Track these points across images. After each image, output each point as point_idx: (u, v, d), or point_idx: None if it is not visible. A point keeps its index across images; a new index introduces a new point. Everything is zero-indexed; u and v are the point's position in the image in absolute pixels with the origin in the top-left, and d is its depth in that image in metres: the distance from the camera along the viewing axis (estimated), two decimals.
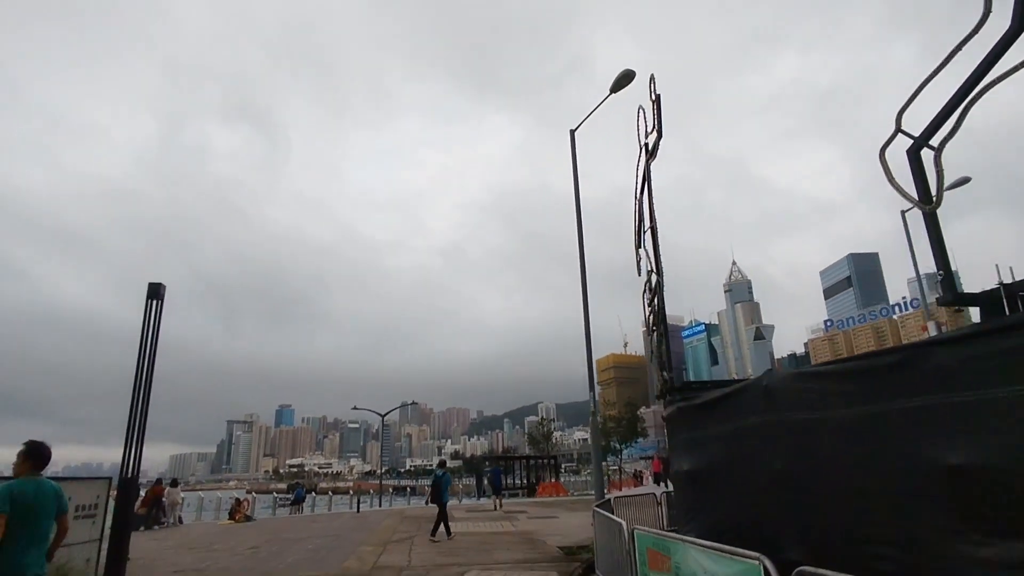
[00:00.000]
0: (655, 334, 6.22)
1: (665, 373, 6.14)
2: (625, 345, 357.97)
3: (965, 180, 22.92)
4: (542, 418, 60.17)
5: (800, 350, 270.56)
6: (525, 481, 39.49)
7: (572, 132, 17.37)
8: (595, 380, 15.27)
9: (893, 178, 5.25)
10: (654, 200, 6.76)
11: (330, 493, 36.14)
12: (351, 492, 31.11)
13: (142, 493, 19.76)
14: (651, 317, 6.20)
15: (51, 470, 4.93)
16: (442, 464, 17.09)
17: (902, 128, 5.30)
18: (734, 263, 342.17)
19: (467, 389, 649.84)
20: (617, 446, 51.05)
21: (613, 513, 10.49)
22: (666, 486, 33.97)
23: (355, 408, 39.69)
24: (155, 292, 10.85)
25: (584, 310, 15.51)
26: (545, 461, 43.90)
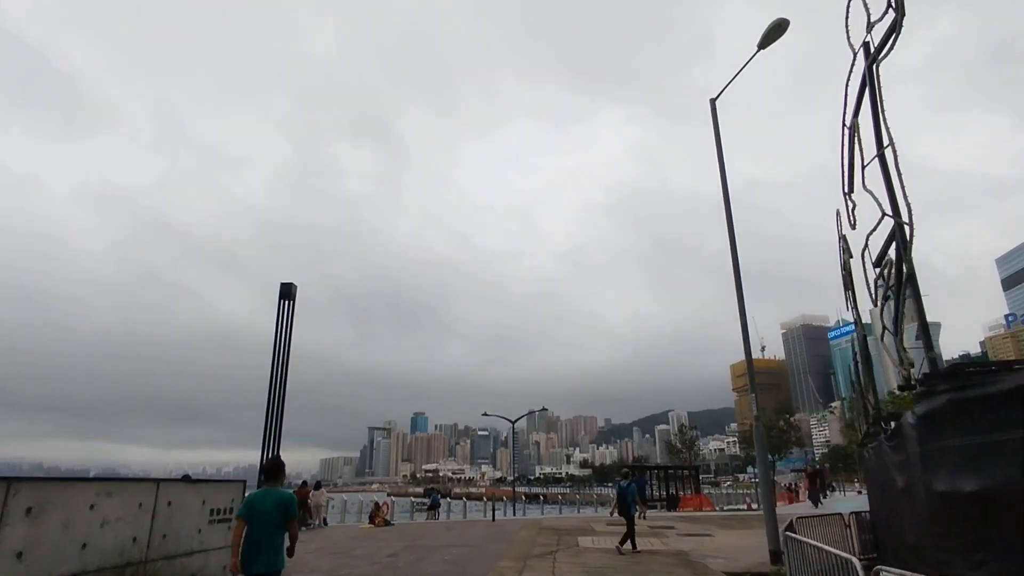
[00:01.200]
0: (894, 301, 4.55)
1: (923, 354, 4.46)
2: (763, 349, 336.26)
3: None
4: (682, 425, 56.36)
5: (975, 349, 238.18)
6: (665, 493, 37.04)
7: (713, 101, 15.49)
8: (755, 381, 13.25)
9: None
10: (885, 116, 5.01)
11: (464, 499, 36.14)
12: (484, 498, 30.73)
13: None
14: (888, 277, 4.55)
15: (223, 471, 4.56)
16: (626, 475, 16.19)
17: None
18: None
19: (594, 397, 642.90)
20: (770, 457, 46.66)
21: (797, 534, 8.64)
22: (820, 503, 30.17)
23: (485, 415, 39.65)
24: (287, 292, 10.57)
25: (739, 301, 13.53)
26: (686, 472, 41.02)
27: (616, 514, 15.11)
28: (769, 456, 50.81)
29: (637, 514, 30.22)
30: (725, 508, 33.27)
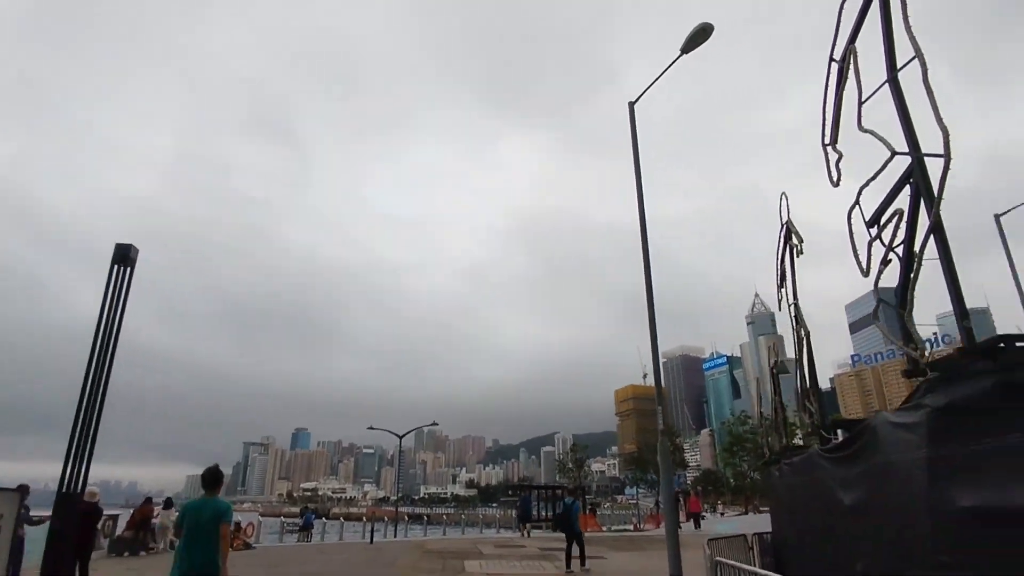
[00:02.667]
0: (904, 262, 3.70)
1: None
2: (644, 376, 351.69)
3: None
4: (574, 444, 56.44)
5: (826, 385, 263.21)
6: (551, 513, 36.30)
7: (631, 105, 15.01)
8: (662, 394, 12.62)
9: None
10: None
11: (342, 520, 33.47)
12: (364, 519, 28.33)
13: (115, 513, 17.51)
14: (894, 235, 3.74)
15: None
16: (572, 492, 17.03)
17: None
18: (756, 295, 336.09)
19: (484, 417, 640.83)
20: (654, 477, 47.53)
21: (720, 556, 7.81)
22: (699, 526, 30.52)
23: (371, 428, 37.13)
24: (123, 256, 8.44)
25: (648, 304, 12.89)
26: (576, 492, 40.61)
27: (556, 530, 15.36)
28: (654, 476, 51.77)
29: (521, 533, 29.25)
30: (613, 528, 32.99)
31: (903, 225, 3.66)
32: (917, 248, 3.64)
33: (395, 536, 30.31)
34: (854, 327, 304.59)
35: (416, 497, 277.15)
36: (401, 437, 34.72)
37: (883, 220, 3.93)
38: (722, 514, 52.15)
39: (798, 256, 6.31)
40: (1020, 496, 2.84)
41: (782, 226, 6.69)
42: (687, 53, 13.68)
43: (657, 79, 14.73)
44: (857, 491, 5.43)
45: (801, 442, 11.58)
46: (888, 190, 3.87)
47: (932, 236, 3.30)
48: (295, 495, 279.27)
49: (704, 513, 43.01)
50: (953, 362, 3.32)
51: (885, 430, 4.45)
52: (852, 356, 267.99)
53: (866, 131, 3.98)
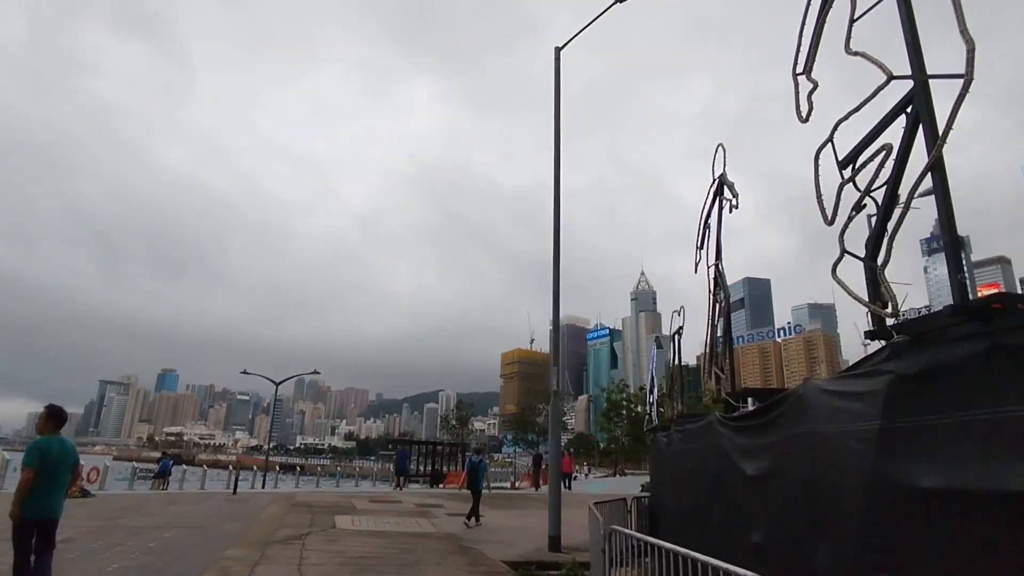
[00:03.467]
0: (883, 207, 3.20)
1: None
2: (532, 342, 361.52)
3: None
4: (460, 401, 56.43)
5: (693, 362, 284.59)
6: (430, 468, 36.04)
7: (558, 50, 14.24)
8: (561, 355, 12.28)
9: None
10: None
11: (205, 468, 31.12)
12: (230, 468, 26.44)
13: None
14: (874, 177, 3.22)
15: None
16: (478, 451, 17.66)
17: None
18: (643, 273, 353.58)
19: (369, 369, 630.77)
20: (534, 437, 48.81)
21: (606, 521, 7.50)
22: (569, 486, 31.31)
23: (245, 373, 34.59)
24: None
25: (555, 264, 12.38)
26: (455, 449, 40.59)
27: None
28: (535, 437, 53.10)
29: (395, 486, 28.75)
30: (492, 486, 33.21)
31: (889, 163, 3.19)
32: (904, 190, 3.18)
33: (263, 487, 28.68)
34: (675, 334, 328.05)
35: (291, 447, 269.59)
36: (278, 384, 32.69)
37: (860, 160, 3.46)
38: (587, 475, 54.67)
39: (731, 212, 5.94)
40: (1004, 478, 2.46)
41: (714, 180, 6.30)
42: (621, 1, 13.07)
43: (587, 26, 14.05)
44: (764, 461, 5.18)
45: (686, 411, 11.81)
46: (871, 126, 3.37)
47: (930, 174, 2.83)
48: (157, 440, 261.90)
49: (576, 474, 44.63)
50: (930, 323, 2.90)
51: (816, 398, 4.10)
52: (718, 338, 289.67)
53: (856, 53, 3.46)
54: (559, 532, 11.22)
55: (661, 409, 13.25)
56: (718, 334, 6.69)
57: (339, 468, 50.96)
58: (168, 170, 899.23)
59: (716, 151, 6.17)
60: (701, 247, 6.86)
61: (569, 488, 30.32)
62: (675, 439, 9.19)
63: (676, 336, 9.13)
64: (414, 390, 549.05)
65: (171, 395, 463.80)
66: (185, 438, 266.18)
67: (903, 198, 3.18)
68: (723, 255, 6.06)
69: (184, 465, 33.51)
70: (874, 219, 3.44)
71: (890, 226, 3.30)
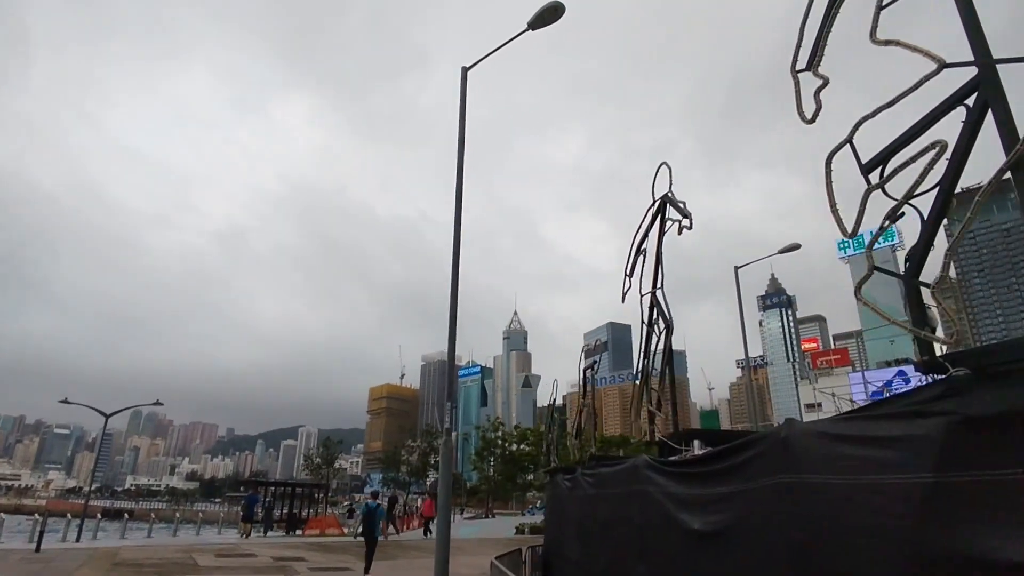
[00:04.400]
0: (936, 209, 2.63)
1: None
2: (402, 377, 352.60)
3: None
4: (328, 438, 51.90)
5: (560, 401, 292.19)
6: (284, 512, 32.53)
7: (465, 71, 13.60)
8: (456, 383, 11.21)
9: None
10: None
11: (2, 517, 25.79)
12: (37, 515, 21.89)
13: None
14: (921, 179, 2.66)
15: None
16: (375, 495, 17.45)
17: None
18: (515, 313, 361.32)
19: (219, 402, 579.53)
20: (405, 477, 46.06)
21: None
22: (428, 532, 27.88)
23: (65, 402, 29.37)
24: None
25: (453, 286, 11.45)
26: (316, 491, 37.23)
27: (357, 536, 16.11)
28: (407, 478, 50.45)
29: (241, 534, 25.59)
30: (358, 531, 30.55)
31: (942, 162, 2.70)
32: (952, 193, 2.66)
33: (78, 540, 24.13)
34: (588, 353, 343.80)
35: (119, 489, 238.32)
36: (108, 416, 28.06)
37: (891, 164, 2.96)
38: (461, 513, 52.89)
39: (680, 233, 5.40)
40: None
41: (654, 201, 5.81)
42: (533, 30, 12.78)
43: (496, 50, 13.60)
44: (719, 515, 4.52)
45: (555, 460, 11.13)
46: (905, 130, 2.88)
47: (1011, 174, 2.36)
48: None
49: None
50: (1004, 354, 2.36)
51: (806, 443, 3.49)
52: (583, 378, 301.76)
53: (886, 43, 2.98)
54: None
55: (559, 448, 12.49)
56: (653, 366, 6.10)
57: (178, 513, 44.87)
58: None
59: (658, 169, 5.73)
60: (630, 275, 6.32)
61: (427, 535, 28.12)
62: (582, 483, 8.46)
63: (587, 372, 8.47)
64: (270, 425, 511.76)
65: None
66: None
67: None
68: (659, 282, 5.52)
69: None
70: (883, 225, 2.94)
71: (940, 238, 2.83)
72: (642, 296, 5.86)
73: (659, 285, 5.41)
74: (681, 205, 5.27)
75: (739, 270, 24.60)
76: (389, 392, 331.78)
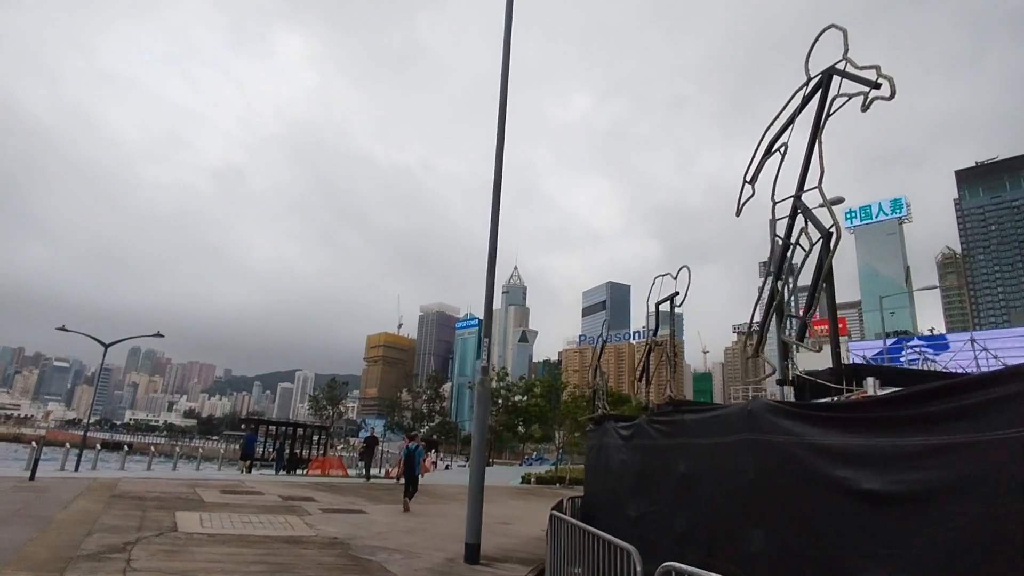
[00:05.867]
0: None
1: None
2: (400, 327, 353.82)
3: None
4: (333, 379, 51.25)
5: (555, 357, 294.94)
6: (287, 452, 31.99)
7: None
8: (492, 325, 10.09)
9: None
10: None
11: None
12: (32, 443, 21.11)
13: None
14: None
15: None
16: (413, 437, 18.05)
17: None
18: (515, 268, 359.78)
19: (217, 343, 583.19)
20: (411, 424, 45.75)
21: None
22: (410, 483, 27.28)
23: (63, 330, 28.40)
24: None
25: (493, 217, 10.21)
26: (319, 432, 36.72)
27: (400, 480, 16.79)
28: (410, 421, 50.17)
29: (241, 471, 25.18)
30: (357, 473, 30.08)
31: None
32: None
33: (76, 470, 23.52)
34: (586, 311, 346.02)
35: (119, 423, 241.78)
36: (107, 346, 27.15)
37: None
38: (448, 466, 52.96)
39: (864, 110, 4.12)
40: None
41: (809, 79, 4.49)
42: None
43: None
44: (915, 473, 3.41)
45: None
46: None
47: None
48: None
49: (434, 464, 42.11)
50: None
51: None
52: (580, 336, 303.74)
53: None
54: (479, 540, 9.12)
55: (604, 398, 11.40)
56: (787, 288, 4.85)
57: (177, 448, 44.68)
58: None
59: (819, 36, 4.36)
60: (753, 179, 5.04)
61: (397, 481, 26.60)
62: (649, 431, 7.41)
63: (661, 306, 7.28)
64: (267, 368, 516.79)
65: None
66: None
67: None
68: (820, 178, 4.19)
69: None
70: None
71: None
72: (775, 204, 4.65)
73: (819, 182, 4.16)
74: (871, 70, 3.92)
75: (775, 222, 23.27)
76: (387, 341, 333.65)
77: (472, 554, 9.01)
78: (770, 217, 4.75)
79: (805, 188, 4.52)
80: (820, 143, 4.29)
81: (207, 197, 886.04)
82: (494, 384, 49.90)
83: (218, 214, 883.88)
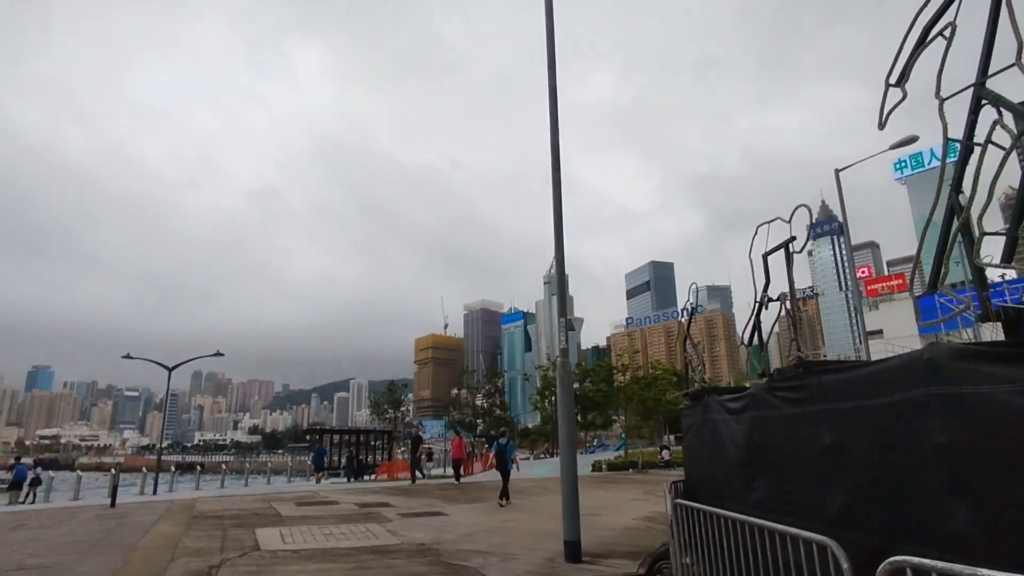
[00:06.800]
0: None
1: None
2: (446, 327, 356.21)
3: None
4: (392, 382, 51.26)
5: (603, 343, 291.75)
6: (354, 459, 31.98)
7: None
8: (565, 306, 9.30)
9: None
10: None
11: (79, 473, 25.72)
12: (112, 470, 21.51)
13: None
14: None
15: None
16: (503, 432, 18.60)
17: None
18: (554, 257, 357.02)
19: (272, 359, 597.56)
20: (474, 421, 45.51)
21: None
22: (459, 478, 23.21)
23: (128, 357, 28.99)
24: None
25: (558, 248, 9.41)
26: (382, 436, 36.70)
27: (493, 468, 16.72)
28: (473, 419, 49.93)
29: (316, 481, 25.11)
30: (432, 474, 29.83)
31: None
32: None
33: (154, 493, 23.87)
34: (630, 294, 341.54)
35: (189, 445, 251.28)
36: (171, 369, 27.58)
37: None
38: (533, 457, 52.47)
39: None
40: None
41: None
42: None
43: None
44: None
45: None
46: None
47: None
48: (28, 444, 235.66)
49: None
50: None
51: None
52: (627, 319, 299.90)
53: None
54: (579, 536, 8.37)
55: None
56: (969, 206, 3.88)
57: (247, 464, 45.56)
58: (14, 129, 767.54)
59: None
60: (901, 81, 4.09)
61: (457, 480, 23.44)
62: (772, 401, 6.48)
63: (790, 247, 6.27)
64: (322, 380, 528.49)
65: (45, 394, 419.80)
66: (63, 440, 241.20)
67: None
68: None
69: (42, 470, 27.50)
70: None
71: None
72: (943, 101, 3.70)
73: (1017, 57, 3.22)
74: None
75: (840, 172, 21.71)
76: (434, 342, 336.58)
77: (573, 552, 8.26)
78: (940, 119, 3.77)
79: (989, 73, 3.56)
80: (1010, 6, 3.33)
81: (245, 217, 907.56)
82: (551, 373, 49.16)
83: (258, 233, 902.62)
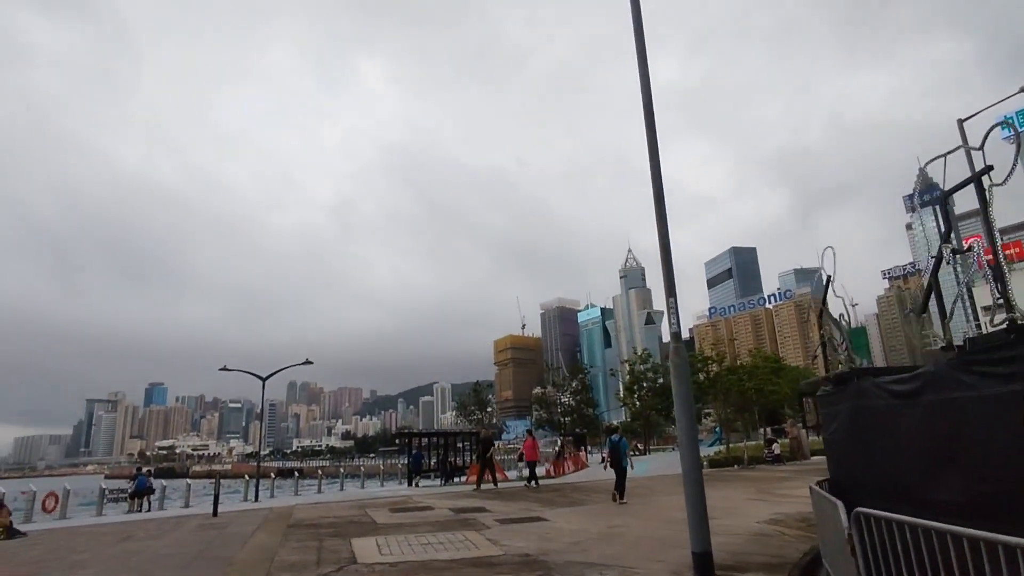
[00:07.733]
0: None
1: None
2: (523, 327, 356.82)
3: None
4: (477, 382, 51.19)
5: (686, 335, 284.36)
6: (446, 461, 31.83)
7: None
8: (674, 281, 8.18)
9: None
10: None
11: (188, 482, 26.80)
12: (216, 478, 22.18)
13: None
14: None
15: None
16: (616, 430, 18.39)
17: None
18: (629, 250, 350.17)
19: (359, 367, 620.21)
20: (563, 420, 44.77)
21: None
22: (534, 480, 21.66)
23: (225, 369, 30.14)
24: None
25: (662, 235, 8.31)
26: (470, 438, 36.42)
27: (607, 467, 16.49)
28: (563, 419, 48.98)
29: (411, 485, 24.57)
30: (523, 474, 29.10)
31: None
32: None
33: (256, 499, 24.45)
34: (711, 283, 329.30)
35: (288, 451, 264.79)
36: (264, 379, 28.37)
37: None
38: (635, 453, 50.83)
39: None
40: None
41: None
42: None
43: None
44: None
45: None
46: None
47: None
48: (148, 454, 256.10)
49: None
50: None
51: None
52: (710, 309, 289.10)
53: None
54: (710, 547, 7.27)
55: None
56: None
57: (342, 469, 46.72)
58: (118, 166, 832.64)
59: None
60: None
61: (534, 483, 21.92)
62: (953, 382, 5.16)
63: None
64: (407, 384, 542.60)
65: (161, 408, 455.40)
66: (178, 451, 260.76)
67: None
68: None
69: (158, 479, 28.93)
70: None
71: None
72: None
73: None
74: None
75: (963, 123, 19.10)
76: (513, 343, 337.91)
77: (703, 565, 7.14)
78: None
79: None
80: None
81: (325, 230, 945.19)
82: (640, 367, 47.36)
83: (338, 244, 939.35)
